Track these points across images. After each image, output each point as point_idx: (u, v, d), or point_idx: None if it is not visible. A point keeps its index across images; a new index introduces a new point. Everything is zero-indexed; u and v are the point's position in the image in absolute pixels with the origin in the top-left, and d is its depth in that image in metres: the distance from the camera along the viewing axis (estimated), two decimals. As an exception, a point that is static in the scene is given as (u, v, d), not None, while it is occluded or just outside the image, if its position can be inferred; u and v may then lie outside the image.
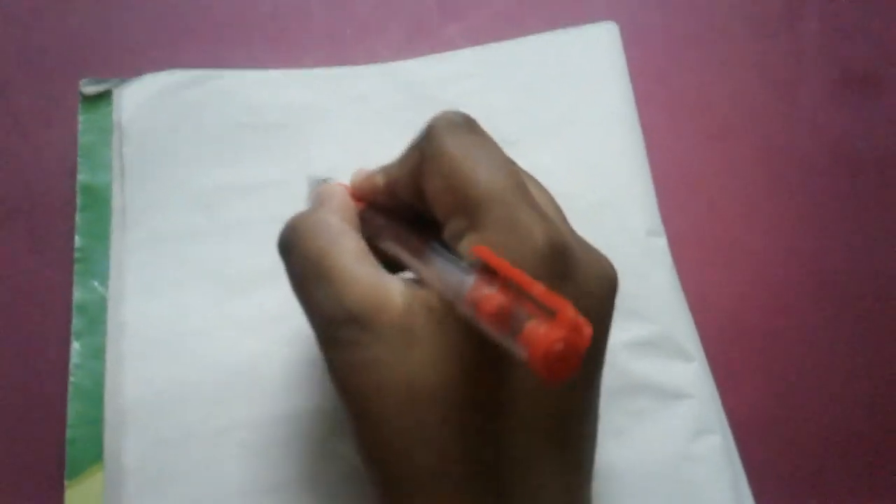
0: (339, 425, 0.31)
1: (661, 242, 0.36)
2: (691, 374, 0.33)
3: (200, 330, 0.33)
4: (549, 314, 0.16)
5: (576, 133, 0.37)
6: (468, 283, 0.19)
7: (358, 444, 0.23)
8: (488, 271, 0.19)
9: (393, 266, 0.24)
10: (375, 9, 0.42)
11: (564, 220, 0.25)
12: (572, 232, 0.25)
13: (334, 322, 0.22)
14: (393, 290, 0.22)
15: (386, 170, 0.26)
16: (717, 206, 0.39)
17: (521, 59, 0.39)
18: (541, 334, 0.16)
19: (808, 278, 0.37)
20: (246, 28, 0.41)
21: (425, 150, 0.23)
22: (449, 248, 0.22)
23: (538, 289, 0.17)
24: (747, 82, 0.42)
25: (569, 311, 0.16)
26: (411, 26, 0.42)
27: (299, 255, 0.24)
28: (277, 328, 0.33)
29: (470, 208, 0.22)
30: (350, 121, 0.38)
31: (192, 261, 0.34)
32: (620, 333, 0.33)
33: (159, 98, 0.37)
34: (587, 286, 0.22)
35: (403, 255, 0.23)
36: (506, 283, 0.18)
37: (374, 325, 0.21)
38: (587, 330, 0.16)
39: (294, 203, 0.35)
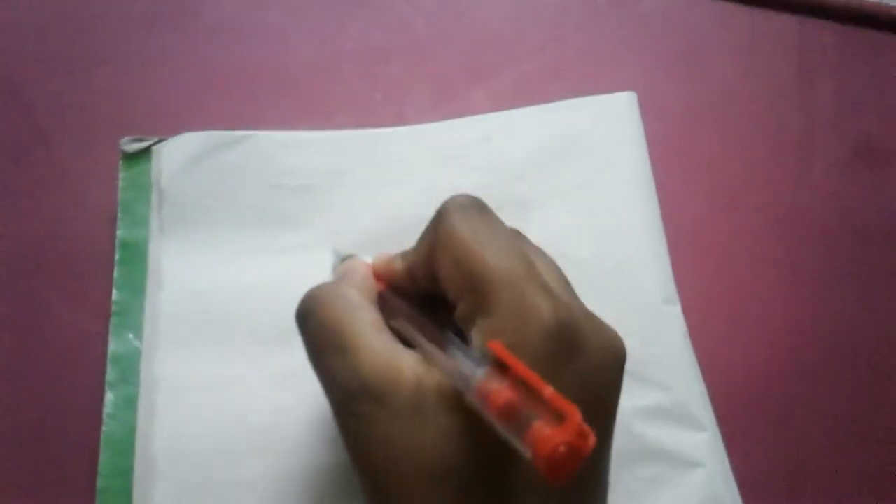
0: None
1: (676, 310, 0.36)
2: (703, 443, 0.34)
3: (228, 384, 0.34)
4: (557, 416, 0.17)
5: (593, 198, 0.39)
6: (479, 375, 0.20)
7: None
8: (500, 366, 0.19)
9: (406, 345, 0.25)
10: (404, 72, 0.44)
11: (572, 293, 0.26)
12: (580, 305, 0.25)
13: (350, 393, 0.23)
14: (404, 365, 0.23)
15: (405, 255, 0.28)
16: (730, 274, 0.40)
17: (543, 124, 0.41)
18: (546, 436, 0.17)
19: (821, 346, 0.38)
20: (278, 89, 0.43)
21: (438, 233, 0.24)
22: (462, 335, 0.23)
23: (548, 391, 0.18)
24: (761, 152, 0.43)
25: (575, 416, 0.17)
26: (438, 89, 0.44)
27: (317, 324, 0.25)
28: (303, 385, 0.33)
29: (479, 290, 0.22)
30: (376, 183, 0.39)
31: (223, 317, 0.35)
32: (634, 400, 0.34)
33: (196, 159, 0.39)
34: (595, 360, 0.23)
35: (417, 339, 0.24)
36: (516, 380, 0.19)
37: (389, 399, 0.22)
38: (591, 438, 0.17)
39: (319, 267, 0.37)
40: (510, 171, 0.39)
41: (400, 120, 0.42)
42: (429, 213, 0.39)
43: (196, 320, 0.35)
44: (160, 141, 0.40)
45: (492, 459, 0.21)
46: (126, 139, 0.40)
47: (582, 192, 0.39)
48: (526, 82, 0.44)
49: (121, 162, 0.39)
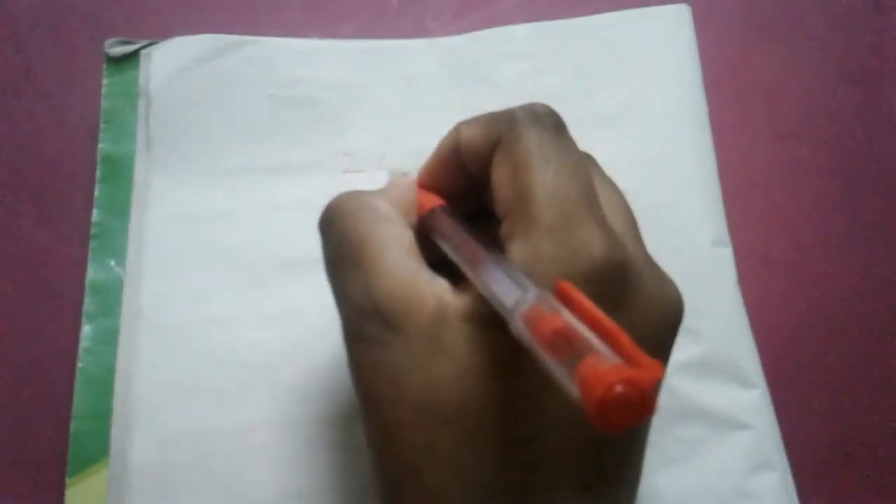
0: (360, 436, 0.29)
1: (727, 254, 0.32)
2: (752, 402, 0.30)
3: (219, 320, 0.31)
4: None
5: (639, 124, 0.34)
6: (529, 299, 0.17)
7: (367, 443, 0.22)
8: (561, 300, 0.16)
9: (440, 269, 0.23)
10: (425, -24, 0.39)
11: (637, 236, 0.23)
12: (641, 250, 0.22)
13: (361, 314, 0.21)
14: (427, 291, 0.20)
15: (458, 127, 0.24)
16: (784, 215, 0.35)
17: (583, 40, 0.36)
18: (601, 371, 0.13)
19: (885, 306, 0.34)
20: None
21: (504, 135, 0.22)
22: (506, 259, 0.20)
23: (621, 336, 0.15)
24: (824, 78, 0.38)
25: (644, 359, 0.14)
26: (463, -3, 0.39)
27: (338, 235, 0.22)
28: (299, 325, 0.30)
29: (528, 208, 0.20)
30: (392, 101, 0.35)
31: (216, 245, 0.32)
32: (676, 353, 0.30)
33: (190, 65, 0.34)
34: (647, 313, 0.20)
35: (460, 257, 0.21)
36: (574, 312, 0.16)
37: (401, 324, 0.20)
38: (657, 386, 0.14)
39: (325, 188, 0.33)
40: (546, 92, 0.34)
41: (418, 30, 0.38)
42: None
43: (185, 248, 0.32)
44: (150, 45, 0.35)
45: (509, 407, 0.19)
46: (111, 41, 0.35)
47: (626, 118, 0.34)
48: (562, -8, 0.39)
49: (105, 67, 0.35)
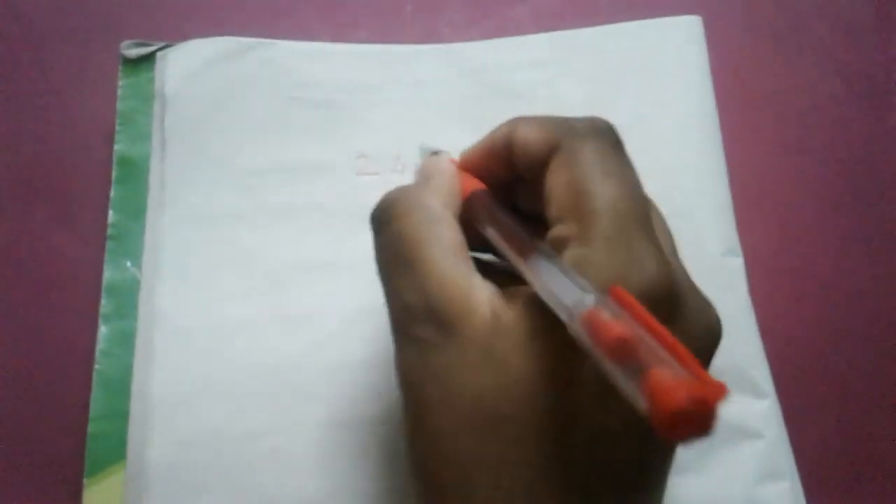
0: (377, 440, 0.29)
1: (738, 263, 0.33)
2: (762, 411, 0.30)
3: (236, 323, 0.31)
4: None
5: (651, 133, 0.34)
6: (588, 301, 0.17)
7: (408, 447, 0.21)
8: (617, 305, 0.17)
9: (485, 265, 0.23)
10: (439, -17, 0.39)
11: (679, 262, 0.23)
12: (685, 274, 0.22)
13: (414, 314, 0.21)
14: (481, 297, 0.20)
15: (514, 122, 0.24)
16: (792, 226, 0.36)
17: (596, 49, 0.36)
18: (672, 384, 0.14)
19: (891, 312, 0.34)
20: (297, -4, 0.39)
21: (564, 143, 0.22)
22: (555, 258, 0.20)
23: (682, 350, 0.15)
24: (832, 91, 0.39)
25: (707, 376, 0.14)
26: (475, 6, 0.39)
27: (392, 235, 0.22)
28: (315, 328, 0.31)
29: (586, 216, 0.20)
30: (406, 106, 0.35)
31: (232, 246, 0.32)
32: (687, 360, 0.31)
33: (206, 67, 0.35)
34: (690, 335, 0.20)
35: (509, 248, 0.21)
36: (634, 321, 0.16)
37: (455, 330, 0.20)
38: (722, 402, 0.14)
39: (339, 190, 0.33)
40: (560, 101, 0.35)
41: (432, 37, 0.38)
42: (468, 143, 0.35)
43: (201, 250, 0.32)
44: (166, 47, 0.35)
45: (563, 414, 0.19)
46: (127, 43, 0.36)
47: (639, 127, 0.34)
48: (574, 2, 0.39)
49: (121, 68, 0.36)
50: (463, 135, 0.34)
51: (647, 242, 0.20)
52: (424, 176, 0.25)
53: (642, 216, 0.21)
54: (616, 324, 0.16)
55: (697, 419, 0.13)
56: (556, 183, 0.21)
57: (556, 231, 0.21)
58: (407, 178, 0.34)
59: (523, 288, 0.21)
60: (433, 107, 0.35)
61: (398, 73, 0.35)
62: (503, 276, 0.22)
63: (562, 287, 0.18)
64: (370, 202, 0.33)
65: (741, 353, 0.31)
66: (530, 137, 0.23)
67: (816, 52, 0.39)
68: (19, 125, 0.35)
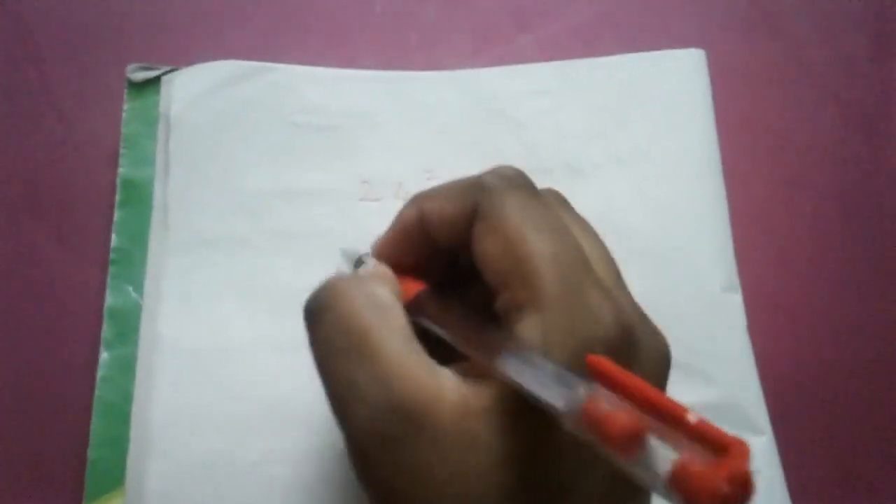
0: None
1: (736, 299, 0.33)
2: (758, 448, 0.31)
3: (236, 350, 0.31)
4: (703, 447, 0.14)
5: (653, 167, 0.35)
6: (579, 395, 0.16)
7: None
8: (599, 381, 0.16)
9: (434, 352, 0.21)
10: (443, 14, 0.40)
11: (621, 283, 0.22)
12: (631, 301, 0.22)
13: (374, 409, 0.19)
14: (447, 384, 0.19)
15: (419, 201, 0.23)
16: (791, 261, 0.36)
17: (600, 79, 0.37)
18: (702, 473, 0.13)
19: (891, 350, 0.35)
20: (302, 23, 0.39)
21: (482, 207, 0.21)
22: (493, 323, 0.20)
23: (692, 417, 0.14)
24: (831, 125, 0.39)
25: (740, 447, 0.14)
26: (480, 36, 0.39)
27: (337, 324, 0.21)
28: None
29: (530, 280, 0.19)
30: (409, 132, 0.35)
31: (234, 273, 0.32)
32: (685, 395, 0.31)
33: (210, 91, 0.35)
34: (647, 367, 0.20)
35: (469, 347, 0.20)
36: (628, 399, 0.15)
37: (424, 422, 0.19)
38: (744, 448, 0.14)
39: (342, 216, 0.33)
40: (562, 131, 0.35)
41: (436, 68, 0.38)
42: (471, 171, 0.35)
43: (203, 276, 0.32)
44: (171, 71, 0.36)
45: (544, 487, 0.19)
46: (133, 66, 0.36)
47: (641, 160, 0.35)
48: (578, 33, 0.40)
49: (126, 92, 0.36)
50: (465, 162, 0.34)
51: (597, 291, 0.20)
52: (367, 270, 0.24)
53: (583, 263, 0.20)
54: (619, 416, 0.15)
55: (739, 493, 0.13)
56: (488, 250, 0.21)
57: (503, 300, 0.20)
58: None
59: (477, 364, 0.20)
60: (436, 134, 0.35)
61: (402, 99, 0.36)
62: (448, 350, 0.21)
63: (545, 385, 0.17)
64: (372, 228, 0.33)
65: (738, 390, 0.31)
66: (445, 212, 0.22)
67: (818, 89, 0.39)
68: (24, 147, 0.35)
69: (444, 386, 0.19)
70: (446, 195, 0.23)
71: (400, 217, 0.24)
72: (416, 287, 0.23)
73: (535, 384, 0.17)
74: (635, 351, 0.20)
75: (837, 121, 0.39)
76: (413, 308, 0.22)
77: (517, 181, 0.22)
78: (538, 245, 0.20)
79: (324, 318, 0.21)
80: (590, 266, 0.20)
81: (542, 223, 0.21)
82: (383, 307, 0.21)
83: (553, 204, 0.22)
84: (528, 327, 0.19)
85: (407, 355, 0.20)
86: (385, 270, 0.24)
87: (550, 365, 0.18)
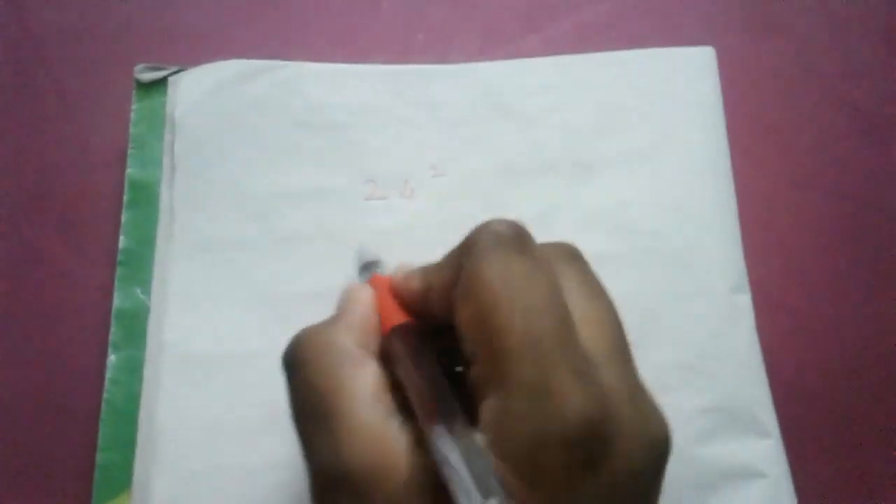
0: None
1: (745, 300, 0.33)
2: (766, 451, 0.30)
3: (242, 355, 0.31)
4: None
5: (662, 165, 0.34)
6: None
7: None
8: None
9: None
10: (451, 13, 0.40)
11: (623, 359, 0.20)
12: (627, 378, 0.20)
13: (329, 479, 0.19)
14: (398, 449, 0.19)
15: (426, 272, 0.23)
16: (799, 262, 0.36)
17: (609, 75, 0.36)
18: None
19: (897, 352, 0.35)
20: (309, 23, 0.39)
21: (464, 268, 0.20)
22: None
23: None
24: (839, 126, 0.39)
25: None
26: (487, 34, 0.39)
27: (303, 382, 0.21)
28: None
29: (497, 357, 0.18)
30: (415, 129, 0.35)
31: (240, 275, 0.32)
32: (690, 398, 0.31)
33: (216, 91, 0.35)
34: (629, 460, 0.18)
35: (417, 411, 0.20)
36: None
37: (371, 495, 0.18)
38: None
39: (347, 216, 0.33)
40: (571, 127, 0.35)
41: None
42: (477, 167, 0.35)
43: (209, 280, 0.32)
44: (179, 71, 0.36)
45: None
46: (141, 67, 0.36)
47: (651, 157, 0.35)
48: (585, 33, 0.39)
49: (134, 92, 0.36)
50: (471, 158, 0.34)
51: (568, 377, 0.18)
52: (340, 307, 0.24)
53: (558, 339, 0.18)
54: None
55: None
56: (462, 318, 0.19)
57: (475, 372, 0.19)
58: (415, 203, 0.34)
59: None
60: (443, 130, 0.35)
61: (408, 95, 0.36)
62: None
63: (461, 479, 0.17)
64: (378, 227, 0.33)
65: (746, 392, 0.31)
66: (443, 280, 0.21)
67: (823, 86, 0.39)
68: (32, 148, 0.35)
69: (396, 453, 0.19)
70: (440, 265, 0.22)
71: (408, 284, 0.23)
72: (399, 320, 0.22)
73: (453, 473, 0.17)
74: (608, 446, 0.18)
75: (845, 121, 0.39)
76: (386, 343, 0.22)
77: (505, 237, 0.20)
78: (510, 319, 0.18)
79: (295, 376, 0.21)
80: (571, 343, 0.19)
81: (522, 291, 0.19)
82: (346, 365, 0.21)
83: (549, 263, 0.20)
84: (487, 408, 0.18)
85: (363, 419, 0.19)
86: (363, 298, 0.23)
87: (481, 461, 0.17)
